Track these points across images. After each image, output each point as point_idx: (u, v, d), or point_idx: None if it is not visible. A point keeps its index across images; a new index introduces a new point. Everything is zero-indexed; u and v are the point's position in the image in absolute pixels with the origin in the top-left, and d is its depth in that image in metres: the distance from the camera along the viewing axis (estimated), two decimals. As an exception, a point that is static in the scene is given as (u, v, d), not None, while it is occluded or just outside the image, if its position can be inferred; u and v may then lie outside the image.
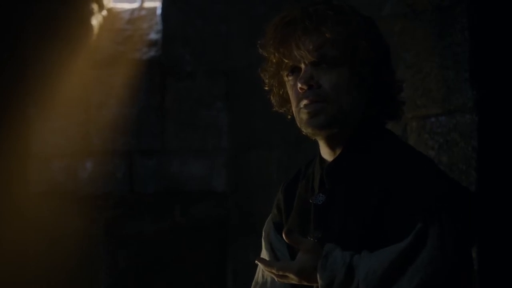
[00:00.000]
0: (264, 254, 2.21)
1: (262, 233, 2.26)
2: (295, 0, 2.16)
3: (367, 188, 1.99)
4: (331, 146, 2.09)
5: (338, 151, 2.08)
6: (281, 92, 2.14)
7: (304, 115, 2.04)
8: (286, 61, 2.06)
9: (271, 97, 2.17)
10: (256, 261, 2.04)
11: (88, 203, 5.43)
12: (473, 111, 3.18)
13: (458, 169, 3.18)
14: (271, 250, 2.19)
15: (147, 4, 6.02)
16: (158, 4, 5.84)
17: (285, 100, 2.14)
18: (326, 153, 2.11)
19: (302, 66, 2.04)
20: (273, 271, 1.98)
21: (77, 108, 5.46)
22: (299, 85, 2.03)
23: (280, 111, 2.17)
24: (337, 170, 2.07)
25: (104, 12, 5.82)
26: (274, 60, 2.09)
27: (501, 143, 3.16)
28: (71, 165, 5.46)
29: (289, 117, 2.15)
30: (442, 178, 1.99)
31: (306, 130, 2.07)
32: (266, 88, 2.17)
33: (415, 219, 1.90)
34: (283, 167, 4.84)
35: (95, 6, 5.66)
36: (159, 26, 5.73)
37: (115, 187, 5.50)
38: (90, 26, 5.61)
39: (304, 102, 2.03)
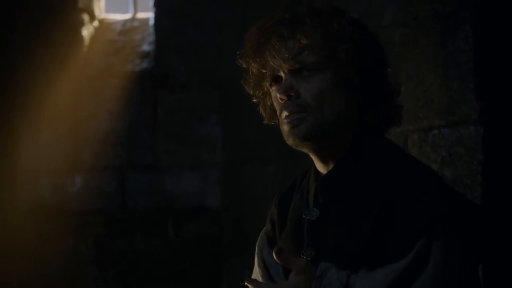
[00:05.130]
0: (257, 272, 2.11)
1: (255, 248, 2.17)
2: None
3: (364, 201, 1.89)
4: (323, 157, 1.99)
5: (332, 163, 1.98)
6: (269, 103, 2.06)
7: (285, 126, 1.96)
8: (264, 71, 1.98)
9: (260, 109, 2.09)
10: (245, 283, 1.93)
11: (77, 220, 5.39)
12: (478, 123, 3.08)
13: (462, 184, 3.09)
14: (264, 267, 2.09)
15: (139, 15, 6.02)
16: (151, 15, 5.81)
17: (275, 112, 2.05)
18: (319, 165, 2.01)
19: (282, 74, 1.96)
20: (263, 294, 1.90)
21: (67, 121, 5.43)
22: (278, 95, 1.95)
23: (271, 123, 2.09)
24: (331, 183, 1.97)
25: (96, 23, 5.83)
26: (254, 71, 2.02)
27: (507, 156, 3.04)
28: (60, 180, 5.43)
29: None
30: (446, 191, 1.89)
31: (288, 142, 1.98)
32: (254, 100, 2.09)
33: (416, 236, 1.81)
34: (278, 182, 4.76)
35: (86, 17, 5.67)
36: (151, 37, 5.73)
37: (106, 203, 5.47)
38: (80, 37, 5.60)
39: (285, 113, 1.95)
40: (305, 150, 1.98)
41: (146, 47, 5.68)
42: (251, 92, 2.07)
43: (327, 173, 1.98)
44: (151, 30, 5.75)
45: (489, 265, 2.88)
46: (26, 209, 5.35)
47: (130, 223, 5.44)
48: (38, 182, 5.40)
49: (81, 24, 5.58)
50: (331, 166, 1.98)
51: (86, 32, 5.64)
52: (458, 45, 3.18)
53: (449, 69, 3.22)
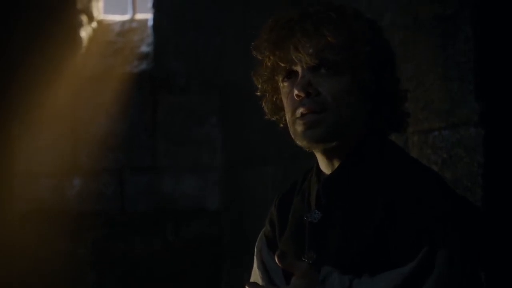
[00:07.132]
0: (256, 274, 2.08)
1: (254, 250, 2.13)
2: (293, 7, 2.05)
3: (368, 204, 1.86)
4: (329, 158, 1.96)
5: (337, 164, 1.95)
6: (274, 99, 2.02)
7: (299, 127, 1.91)
8: (283, 64, 1.93)
9: (263, 104, 2.05)
10: (246, 287, 1.88)
11: (76, 222, 5.37)
12: (479, 124, 3.06)
13: (462, 186, 3.06)
14: (264, 269, 2.06)
15: (138, 16, 5.99)
16: (149, 16, 5.78)
17: (279, 108, 2.01)
18: (323, 166, 1.98)
19: (299, 70, 1.91)
20: (264, 297, 1.87)
21: (65, 123, 5.41)
22: (295, 91, 1.90)
23: (272, 119, 2.05)
24: (335, 184, 1.94)
25: (94, 24, 5.79)
26: (268, 64, 1.96)
27: (508, 158, 3.02)
28: (59, 183, 5.41)
29: (281, 125, 2.02)
30: (447, 192, 1.87)
31: (301, 143, 1.94)
32: (258, 93, 2.05)
33: (421, 241, 1.78)
34: (278, 183, 4.74)
35: (84, 18, 5.64)
36: (150, 38, 5.70)
37: (105, 205, 5.45)
38: (79, 38, 5.58)
39: (301, 110, 1.90)
40: (315, 151, 1.96)
41: (145, 48, 5.66)
42: (259, 85, 2.03)
43: (330, 174, 1.95)
44: (150, 31, 5.73)
45: (490, 266, 2.87)
46: (25, 211, 5.33)
47: (130, 225, 5.42)
48: (36, 183, 5.37)
49: (80, 25, 5.56)
50: (335, 166, 1.95)
51: (85, 33, 5.62)
52: (458, 45, 3.15)
53: (449, 70, 3.19)
